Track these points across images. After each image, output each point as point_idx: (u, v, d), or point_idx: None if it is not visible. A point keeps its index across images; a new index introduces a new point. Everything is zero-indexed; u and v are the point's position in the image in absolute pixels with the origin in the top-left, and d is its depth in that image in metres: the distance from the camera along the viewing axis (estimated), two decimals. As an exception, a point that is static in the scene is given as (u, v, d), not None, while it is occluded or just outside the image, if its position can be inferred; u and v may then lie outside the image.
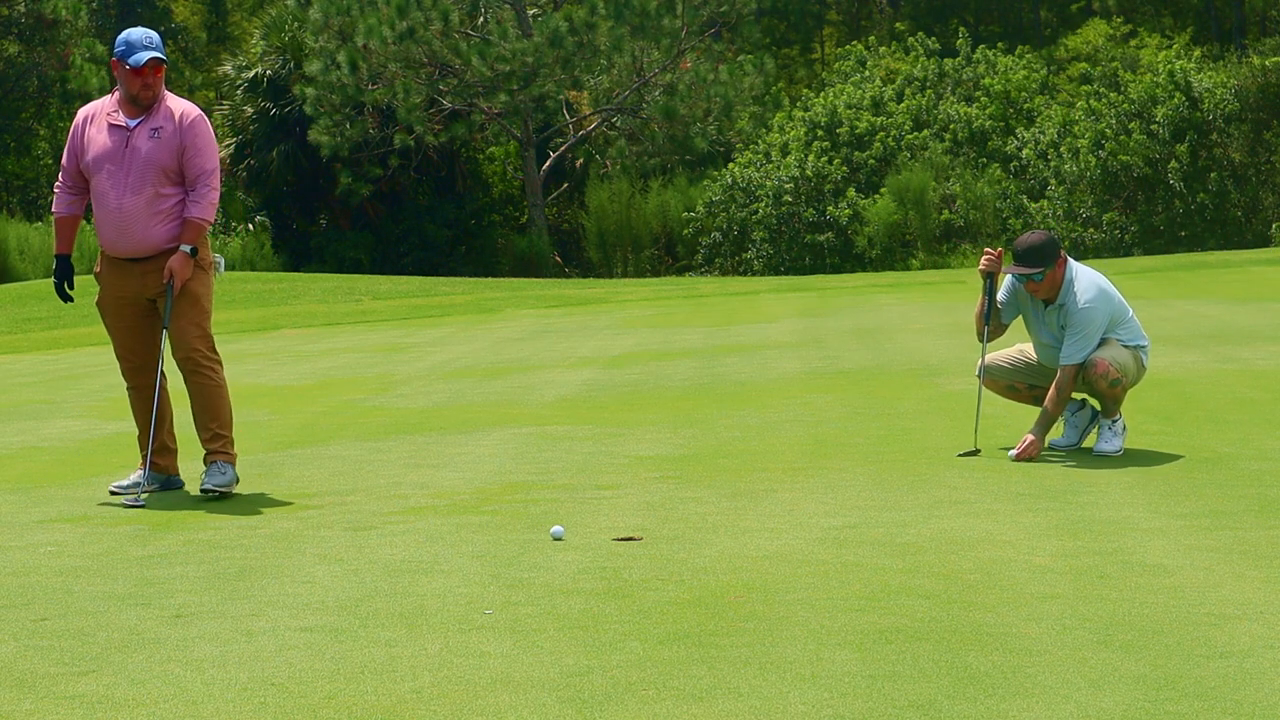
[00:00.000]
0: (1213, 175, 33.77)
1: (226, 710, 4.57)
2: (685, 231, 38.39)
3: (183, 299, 7.95)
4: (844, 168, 36.88)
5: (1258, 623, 5.11)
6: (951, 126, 37.79)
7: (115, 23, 52.58)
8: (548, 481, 8.04)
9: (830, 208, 36.41)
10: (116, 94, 8.03)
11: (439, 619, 5.44)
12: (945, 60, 40.48)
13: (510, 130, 38.68)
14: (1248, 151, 34.01)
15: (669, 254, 39.77)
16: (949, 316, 16.29)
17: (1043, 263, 8.16)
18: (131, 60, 7.85)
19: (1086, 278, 8.27)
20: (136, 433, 8.25)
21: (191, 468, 8.29)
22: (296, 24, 38.81)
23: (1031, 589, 5.59)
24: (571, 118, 40.37)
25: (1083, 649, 4.88)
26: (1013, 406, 9.14)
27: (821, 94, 39.67)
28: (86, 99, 46.31)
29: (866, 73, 41.05)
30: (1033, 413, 8.74)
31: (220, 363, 8.08)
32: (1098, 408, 8.47)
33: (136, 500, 7.82)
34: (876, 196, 35.82)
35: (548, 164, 39.60)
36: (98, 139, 7.97)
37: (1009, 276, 8.48)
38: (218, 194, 8.00)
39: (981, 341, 8.62)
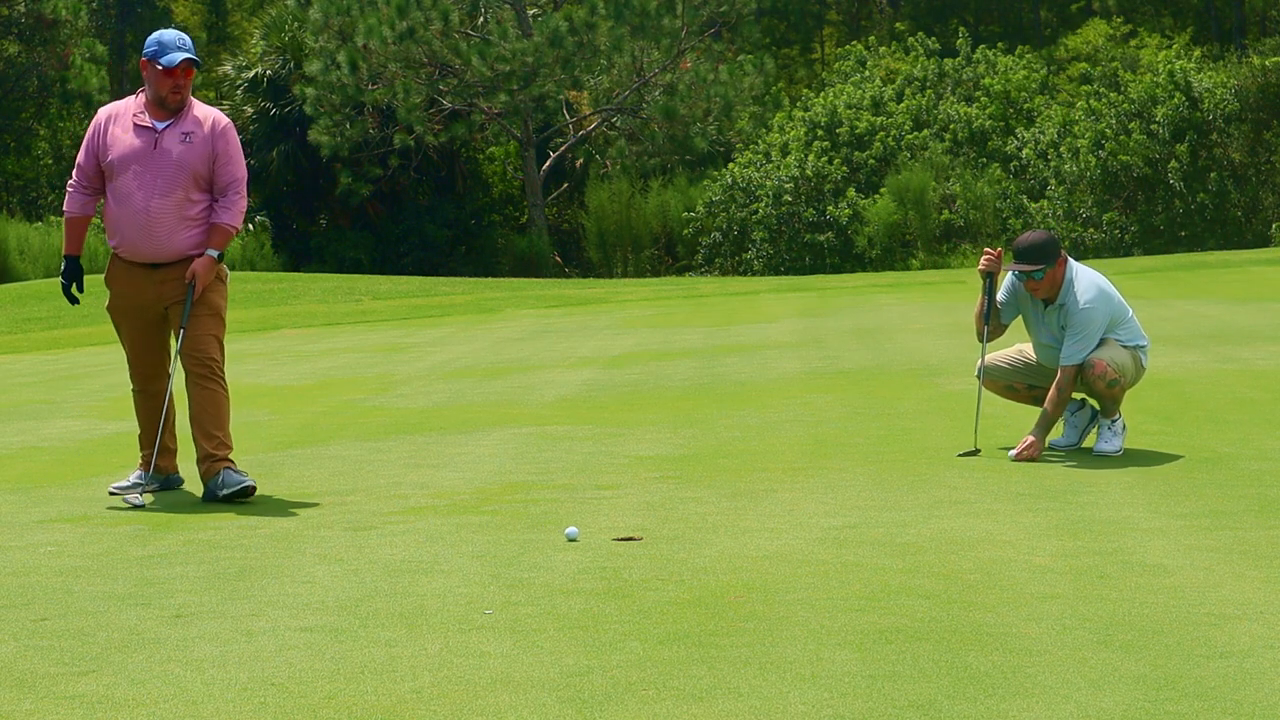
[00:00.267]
0: (1213, 175, 33.77)
1: (226, 710, 4.57)
2: (685, 231, 38.39)
3: (204, 308, 7.87)
4: (844, 168, 36.88)
5: (1258, 623, 5.11)
6: (951, 126, 37.79)
7: (115, 23, 52.60)
8: (548, 481, 8.04)
9: (830, 208, 36.41)
10: (141, 95, 7.89)
11: (439, 619, 5.44)
12: (945, 60, 40.47)
13: (510, 130, 38.68)
14: (1248, 151, 34.01)
15: (669, 254, 39.77)
16: (949, 316, 16.28)
17: (1043, 260, 8.16)
18: (164, 60, 7.73)
19: (1086, 278, 8.27)
20: (138, 432, 8.21)
21: (186, 468, 8.29)
22: (296, 24, 38.80)
23: (1031, 589, 5.59)
24: (571, 118, 40.37)
25: (1083, 649, 4.88)
26: (1013, 406, 9.14)
27: (821, 94, 39.67)
28: (86, 99, 46.38)
29: (866, 73, 41.04)
30: (1032, 413, 8.74)
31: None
32: (1097, 408, 8.47)
33: (138, 500, 7.81)
34: (876, 196, 35.82)
35: (548, 164, 39.60)
36: (123, 138, 7.82)
37: (1009, 276, 8.48)
38: (246, 202, 7.97)
39: (981, 342, 8.62)
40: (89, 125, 7.99)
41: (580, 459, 8.69)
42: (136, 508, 7.74)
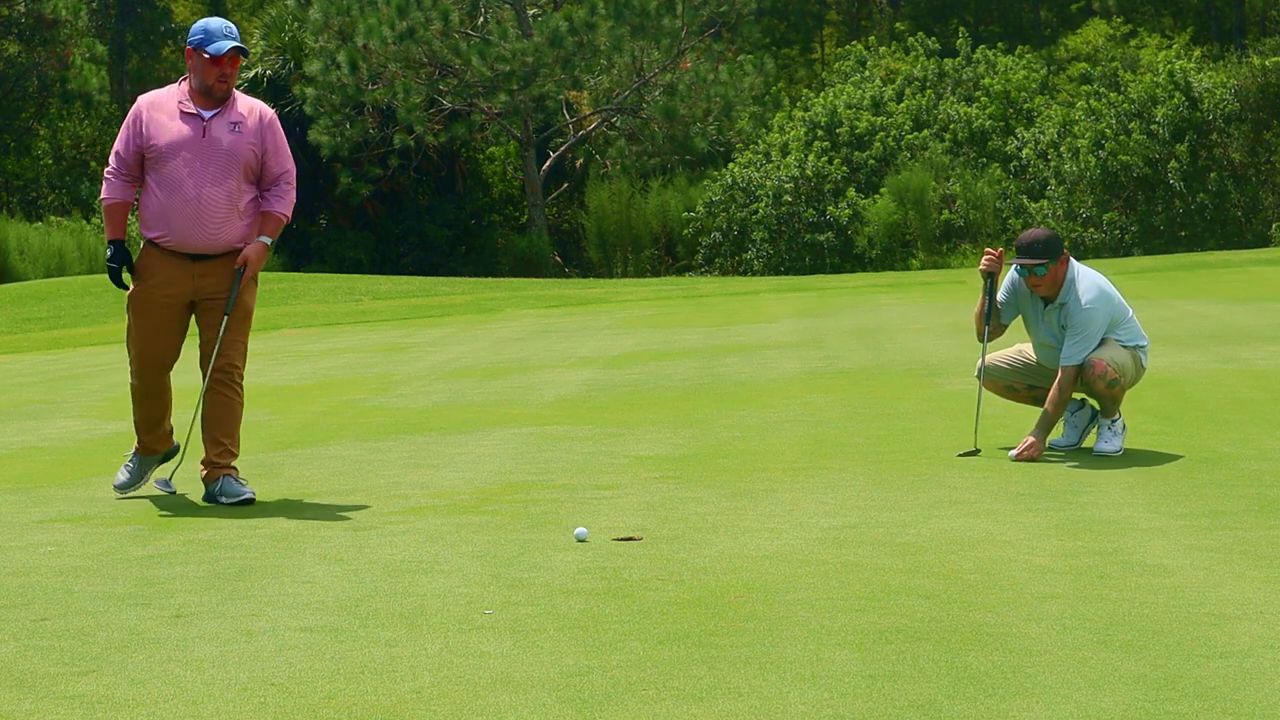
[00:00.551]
0: (1213, 175, 33.77)
1: (226, 710, 4.57)
2: (685, 231, 38.39)
3: (237, 310, 7.79)
4: (844, 168, 36.88)
5: (1258, 623, 5.11)
6: (951, 126, 37.79)
7: (115, 23, 52.61)
8: (548, 481, 8.04)
9: (830, 208, 36.41)
10: (184, 84, 7.75)
11: (439, 619, 5.44)
12: (945, 60, 40.47)
13: (510, 130, 38.68)
14: (1248, 151, 34.01)
15: (669, 254, 39.76)
16: (949, 316, 16.28)
17: (1047, 255, 8.16)
18: (212, 49, 7.60)
19: (1088, 278, 8.28)
20: (134, 418, 8.08)
21: (187, 469, 8.29)
22: (296, 24, 38.80)
23: (1031, 589, 5.59)
24: (571, 118, 40.37)
25: (1083, 649, 4.88)
26: (1013, 406, 9.15)
27: (821, 94, 39.67)
28: (87, 99, 46.39)
29: (866, 73, 41.05)
30: (1032, 413, 8.74)
31: None
32: (1097, 408, 8.47)
33: (169, 486, 7.93)
34: (876, 196, 35.82)
35: (548, 164, 39.60)
36: (170, 125, 7.66)
37: (1009, 276, 8.49)
38: (294, 194, 7.92)
39: (981, 342, 8.62)
40: (128, 114, 7.80)
41: (580, 459, 8.69)
42: (170, 493, 7.91)
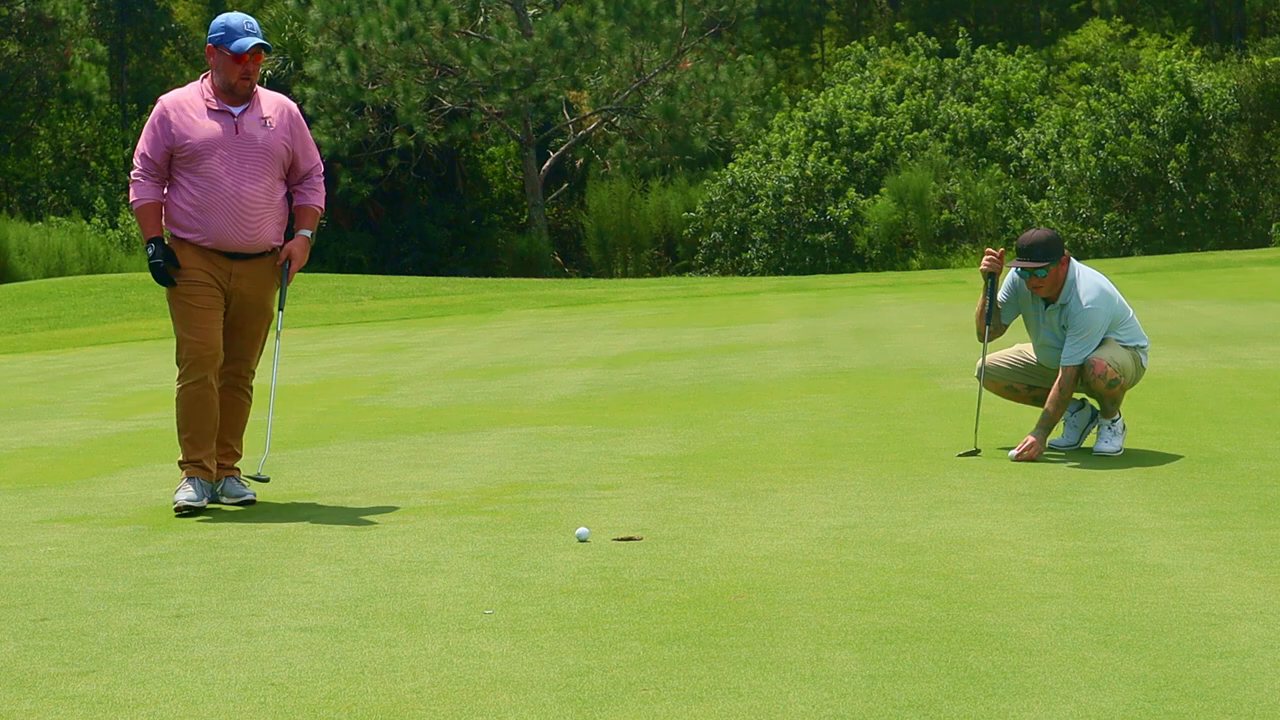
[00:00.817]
0: (1212, 175, 33.78)
1: (226, 710, 4.57)
2: (685, 231, 38.40)
3: (260, 315, 7.72)
4: (844, 168, 36.88)
5: (1258, 623, 5.11)
6: (951, 126, 37.80)
7: (115, 23, 52.60)
8: (548, 481, 8.04)
9: (830, 208, 36.41)
10: (206, 81, 7.59)
11: (439, 619, 5.44)
12: (945, 60, 40.48)
13: (510, 130, 38.69)
14: (1248, 151, 34.01)
15: (669, 254, 39.77)
16: (949, 316, 16.29)
17: (1047, 258, 8.16)
18: (234, 46, 7.45)
19: (1088, 278, 8.28)
20: (181, 435, 7.63)
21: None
22: (296, 24, 38.82)
23: (1031, 589, 5.59)
24: (571, 118, 40.38)
25: (1083, 649, 4.88)
26: (1013, 406, 9.15)
27: (821, 94, 39.68)
28: (87, 99, 46.37)
29: (866, 73, 41.06)
30: (1032, 413, 8.75)
31: None
32: (1097, 408, 8.47)
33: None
34: (876, 196, 35.82)
35: (548, 164, 39.61)
36: (200, 123, 7.49)
37: (1010, 276, 8.48)
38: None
39: (982, 342, 8.62)
40: (151, 116, 7.60)
41: (580, 459, 8.69)
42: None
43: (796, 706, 4.44)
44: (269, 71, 39.37)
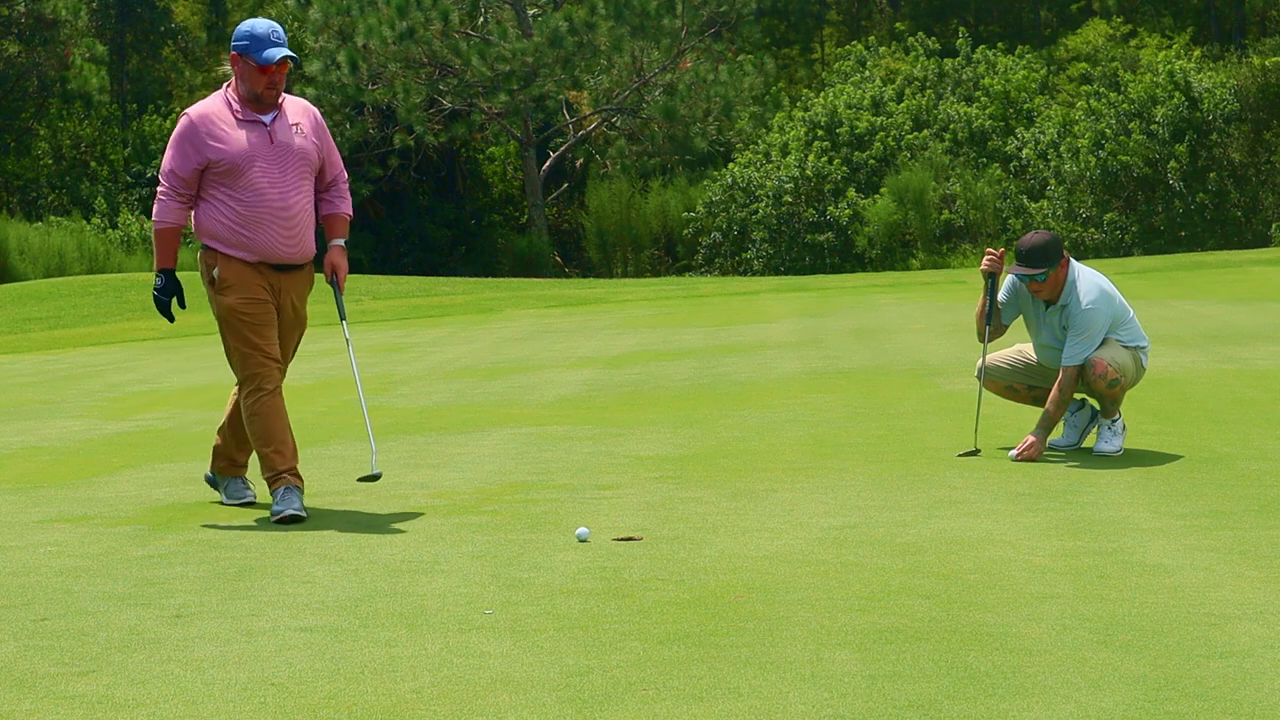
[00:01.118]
0: (1212, 175, 33.78)
1: (226, 710, 4.57)
2: (685, 231, 38.41)
3: (299, 324, 7.52)
4: (844, 168, 36.89)
5: (1258, 623, 5.11)
6: (951, 126, 37.80)
7: (115, 23, 52.60)
8: (548, 481, 8.04)
9: (830, 208, 36.42)
10: (229, 92, 7.32)
11: (439, 619, 5.44)
12: (945, 60, 40.48)
13: (510, 130, 38.69)
14: (1248, 151, 34.01)
15: (669, 254, 39.78)
16: (949, 316, 16.29)
17: (1046, 263, 8.16)
18: (261, 57, 7.18)
19: (1088, 279, 8.27)
20: (264, 450, 7.38)
21: (192, 473, 8.28)
22: (296, 24, 38.82)
23: (1031, 589, 5.59)
24: (571, 118, 40.39)
25: (1083, 649, 4.88)
26: (1013, 406, 9.15)
27: (821, 94, 39.68)
28: (87, 99, 46.35)
29: (866, 73, 41.05)
30: (1032, 413, 8.75)
31: None
32: (1097, 408, 8.47)
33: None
34: (876, 196, 35.83)
35: (548, 164, 39.61)
36: (235, 135, 7.21)
37: (1010, 276, 8.48)
38: None
39: (982, 342, 8.62)
40: (176, 131, 7.28)
41: (580, 459, 8.69)
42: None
43: (796, 706, 4.44)
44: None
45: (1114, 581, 5.66)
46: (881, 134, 37.45)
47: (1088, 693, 4.48)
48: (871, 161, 37.10)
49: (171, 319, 7.54)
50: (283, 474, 7.33)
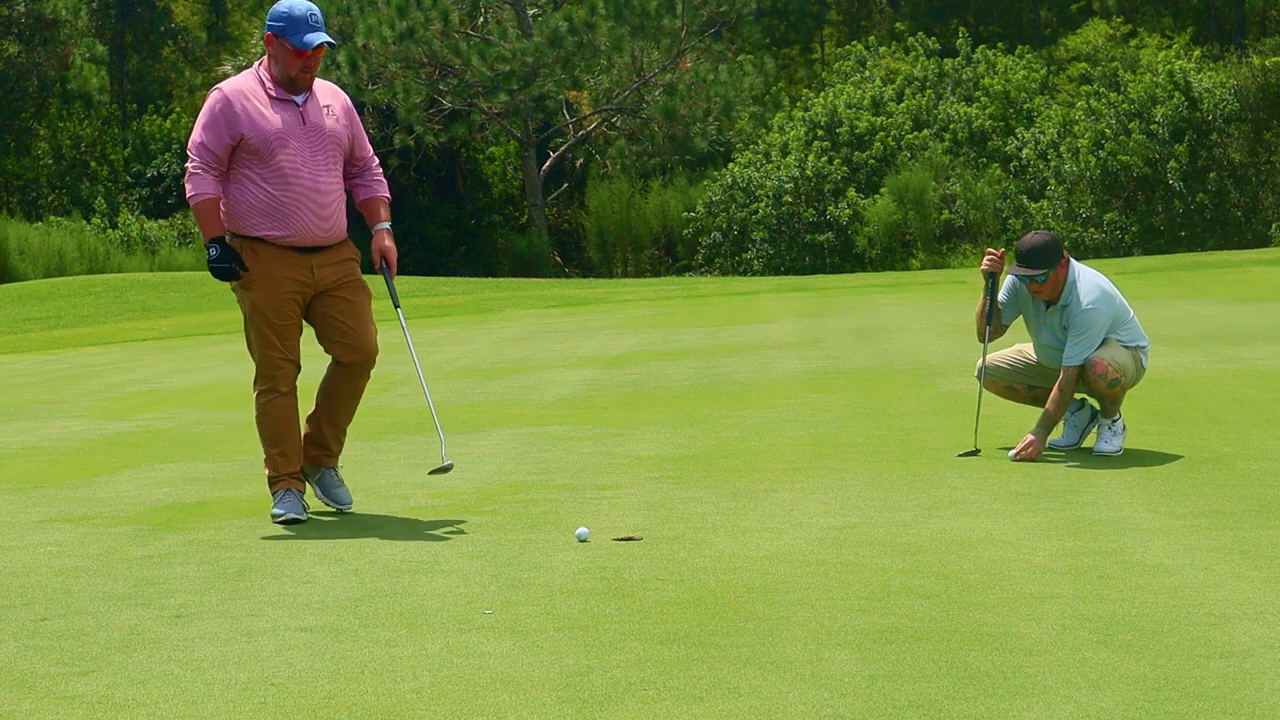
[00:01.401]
0: (1212, 175, 33.78)
1: (226, 710, 4.57)
2: (685, 231, 38.42)
3: (361, 289, 7.31)
4: (844, 168, 36.89)
5: (1258, 623, 5.11)
6: (951, 126, 37.80)
7: (115, 23, 52.59)
8: (548, 481, 8.04)
9: (830, 208, 36.42)
10: (261, 70, 7.17)
11: (439, 619, 5.44)
12: (945, 60, 40.49)
13: (510, 130, 38.70)
14: (1248, 151, 34.02)
15: (669, 254, 39.79)
16: (949, 316, 16.29)
17: (1046, 264, 8.16)
18: (299, 41, 7.03)
19: (1089, 279, 8.27)
20: (271, 452, 7.32)
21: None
22: (296, 24, 38.77)
23: (1031, 589, 5.59)
24: (571, 118, 40.40)
25: (1083, 649, 4.88)
26: (1013, 406, 9.14)
27: (821, 94, 39.69)
28: (87, 99, 46.36)
29: (866, 73, 41.06)
30: (1032, 413, 8.74)
31: None
32: (1097, 408, 8.47)
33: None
34: (876, 196, 35.83)
35: (548, 164, 39.62)
36: (268, 114, 7.07)
37: (1010, 277, 8.48)
38: None
39: (982, 342, 8.61)
40: (208, 105, 7.11)
41: (580, 459, 8.69)
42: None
43: (796, 706, 4.44)
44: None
45: (1114, 581, 5.66)
46: (881, 134, 37.46)
47: (1088, 693, 4.48)
48: (871, 161, 37.11)
49: (237, 278, 7.17)
50: (284, 476, 7.31)
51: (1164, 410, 9.52)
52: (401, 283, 28.47)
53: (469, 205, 41.09)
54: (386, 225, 7.45)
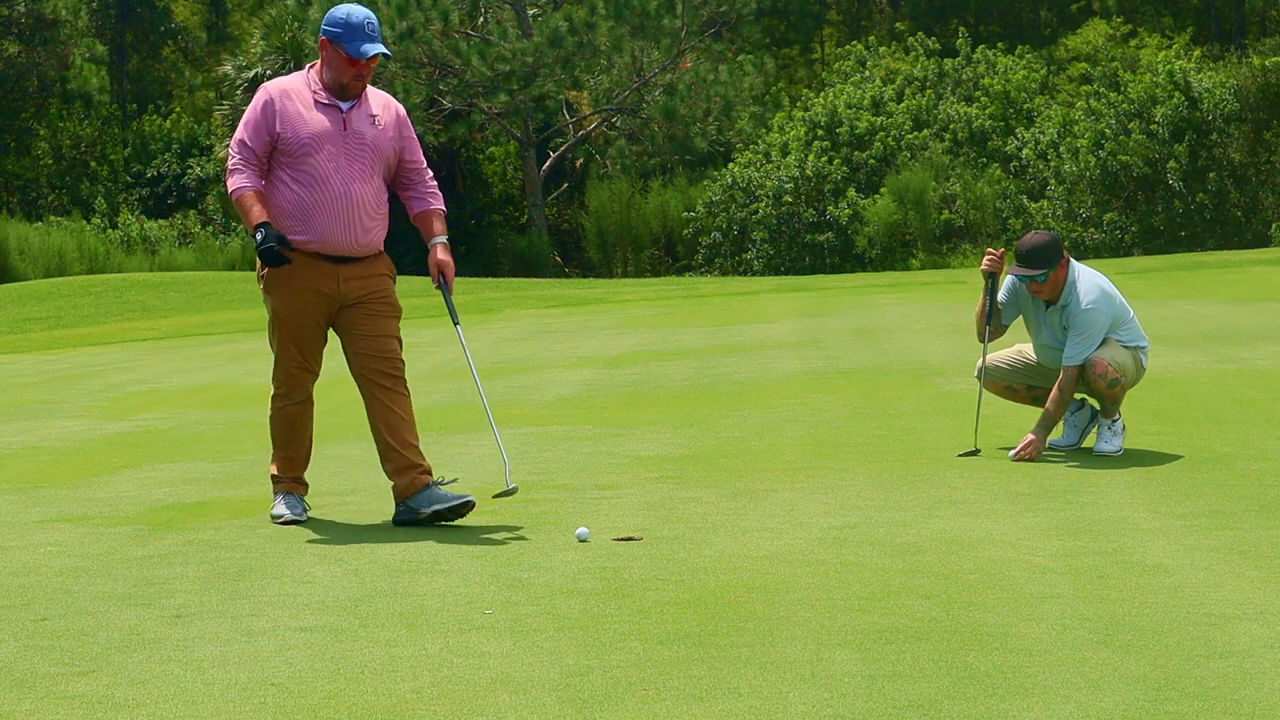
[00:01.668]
0: (1212, 175, 33.79)
1: (226, 710, 4.57)
2: (685, 231, 38.42)
3: (387, 306, 7.21)
4: (844, 168, 36.90)
5: (1258, 623, 5.11)
6: (951, 126, 37.81)
7: (115, 23, 52.61)
8: (548, 481, 8.04)
9: (830, 208, 36.43)
10: (312, 73, 7.09)
11: (439, 619, 5.44)
12: (945, 60, 40.50)
13: (510, 130, 38.70)
14: (1247, 151, 34.02)
15: (669, 254, 39.79)
16: (949, 316, 16.29)
17: (1046, 264, 8.16)
18: (354, 51, 6.92)
19: (1088, 279, 8.27)
20: (276, 456, 7.32)
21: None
22: (296, 24, 38.82)
23: (1031, 589, 5.59)
24: (571, 118, 40.40)
25: (1083, 649, 4.88)
26: (1013, 406, 9.15)
27: (821, 94, 39.70)
28: (87, 99, 46.38)
29: (866, 73, 41.08)
30: (1032, 413, 8.74)
31: None
32: (1097, 408, 8.47)
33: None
34: (876, 196, 35.84)
35: (548, 164, 39.62)
36: (308, 115, 6.98)
37: (1010, 277, 8.48)
38: None
39: (982, 342, 8.62)
40: (254, 102, 7.05)
41: (580, 459, 8.69)
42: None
43: (796, 706, 4.44)
44: (269, 71, 39.38)
45: (1114, 581, 5.66)
46: (881, 134, 37.47)
47: (1088, 693, 4.48)
48: (871, 161, 37.11)
49: (287, 261, 6.99)
50: (287, 479, 7.31)
51: (1164, 410, 9.52)
52: (402, 283, 28.45)
53: (469, 205, 41.10)
54: (443, 239, 7.31)
